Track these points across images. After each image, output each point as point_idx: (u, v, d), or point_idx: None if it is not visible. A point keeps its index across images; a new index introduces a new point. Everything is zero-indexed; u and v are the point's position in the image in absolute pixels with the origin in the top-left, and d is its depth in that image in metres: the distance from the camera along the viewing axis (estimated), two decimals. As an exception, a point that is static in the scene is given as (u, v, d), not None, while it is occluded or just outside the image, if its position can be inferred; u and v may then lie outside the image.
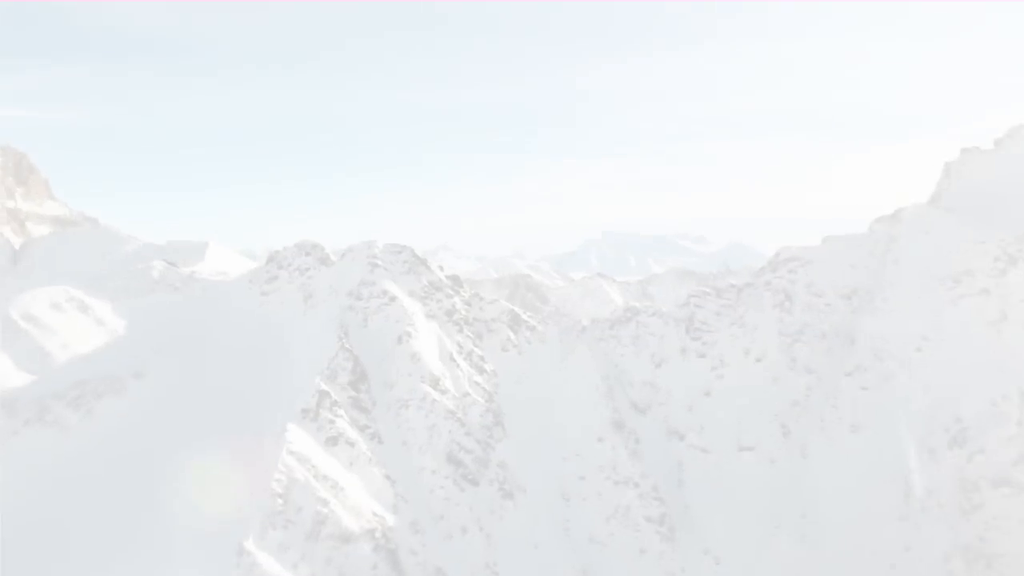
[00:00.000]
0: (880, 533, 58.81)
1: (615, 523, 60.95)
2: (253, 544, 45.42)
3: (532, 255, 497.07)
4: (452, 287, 73.75)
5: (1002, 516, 55.11)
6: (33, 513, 50.04)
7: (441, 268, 76.33)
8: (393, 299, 67.88)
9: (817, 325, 71.19)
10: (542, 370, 70.50)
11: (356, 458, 56.75)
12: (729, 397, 68.79)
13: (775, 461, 65.26)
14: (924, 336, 65.45)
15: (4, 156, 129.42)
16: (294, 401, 58.35)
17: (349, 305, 68.42)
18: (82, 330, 68.17)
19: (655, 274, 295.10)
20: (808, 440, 65.22)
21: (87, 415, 58.35)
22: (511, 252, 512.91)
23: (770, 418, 67.16)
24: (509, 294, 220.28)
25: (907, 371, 64.23)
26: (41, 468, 53.99)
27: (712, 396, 69.14)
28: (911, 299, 68.10)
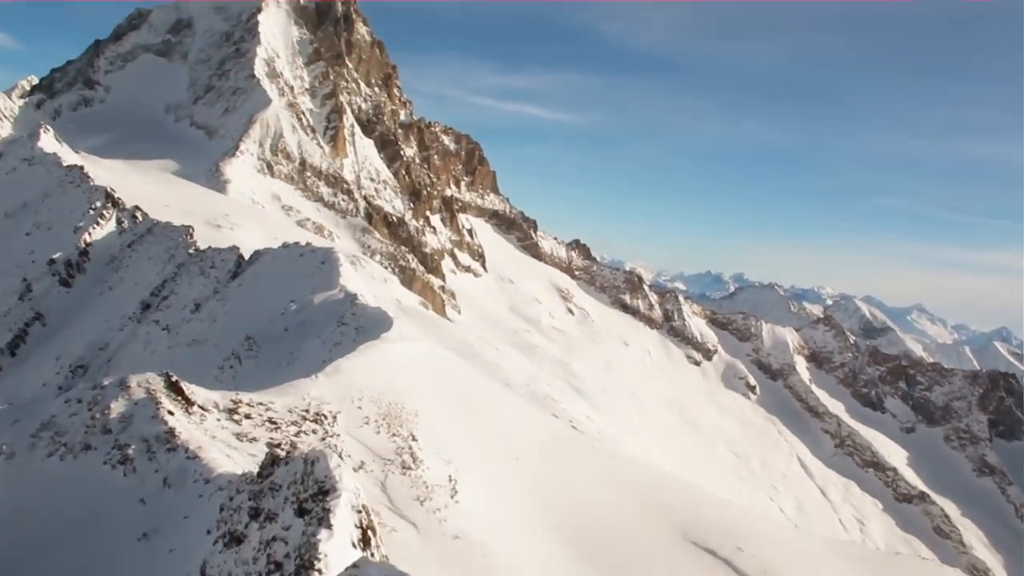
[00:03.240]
0: None
1: None
2: None
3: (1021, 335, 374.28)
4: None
5: None
6: None
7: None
8: None
9: None
10: None
11: None
12: None
13: None
14: None
15: (458, 144, 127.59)
16: None
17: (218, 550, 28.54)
18: None
19: None
20: None
21: None
22: (994, 329, 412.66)
23: None
24: (983, 395, 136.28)
25: None
26: None
27: None
28: None
